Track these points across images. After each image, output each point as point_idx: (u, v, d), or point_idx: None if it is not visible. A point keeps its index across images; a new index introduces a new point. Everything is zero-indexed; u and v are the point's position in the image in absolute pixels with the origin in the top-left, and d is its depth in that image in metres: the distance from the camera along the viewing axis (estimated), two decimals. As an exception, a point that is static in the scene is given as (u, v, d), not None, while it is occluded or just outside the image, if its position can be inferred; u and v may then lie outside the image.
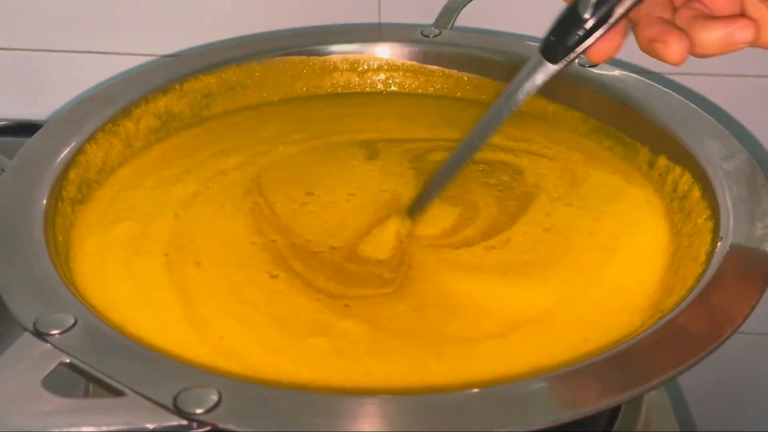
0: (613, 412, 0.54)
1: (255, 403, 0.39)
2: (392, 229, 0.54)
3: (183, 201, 0.57)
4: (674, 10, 0.46)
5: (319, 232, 0.55)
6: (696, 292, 0.46)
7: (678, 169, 0.58)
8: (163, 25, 0.82)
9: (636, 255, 0.53)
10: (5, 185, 0.54)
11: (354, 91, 0.72)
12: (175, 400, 0.38)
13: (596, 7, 0.45)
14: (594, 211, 0.56)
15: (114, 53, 0.83)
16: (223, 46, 0.72)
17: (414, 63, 0.72)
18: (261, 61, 0.70)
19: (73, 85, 0.83)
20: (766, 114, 0.80)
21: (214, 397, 0.38)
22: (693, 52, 0.45)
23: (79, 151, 0.58)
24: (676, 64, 0.45)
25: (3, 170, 0.56)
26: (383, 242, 0.54)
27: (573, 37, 0.46)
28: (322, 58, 0.71)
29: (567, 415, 0.39)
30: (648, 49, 0.46)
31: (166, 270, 0.51)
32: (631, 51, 0.73)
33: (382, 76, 0.72)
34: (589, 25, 0.45)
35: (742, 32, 0.44)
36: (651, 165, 0.60)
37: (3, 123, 0.84)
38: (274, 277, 0.51)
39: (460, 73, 0.71)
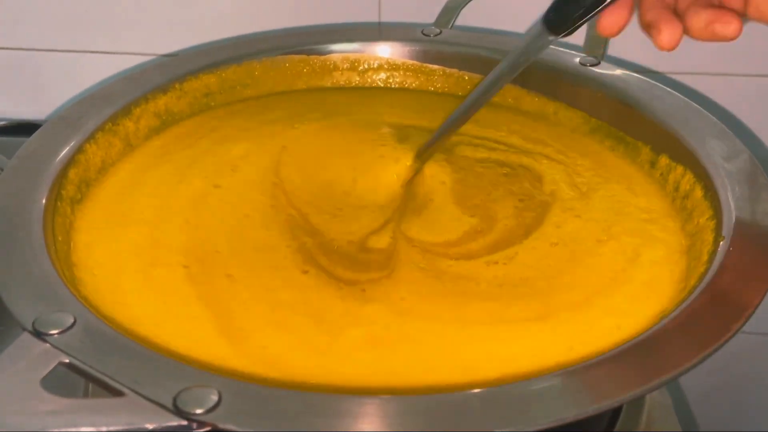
0: (615, 412, 0.54)
1: (255, 404, 0.39)
2: (396, 167, 0.59)
3: (192, 203, 0.56)
4: None
5: (339, 229, 0.56)
6: (698, 291, 0.46)
7: (680, 169, 0.58)
8: (163, 24, 0.82)
9: (638, 284, 0.51)
10: (4, 184, 0.54)
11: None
12: (174, 400, 0.38)
13: None
14: (603, 224, 0.55)
15: (114, 53, 0.83)
16: (223, 46, 0.72)
17: (414, 62, 0.71)
18: (261, 61, 0.70)
19: (73, 84, 0.83)
20: (767, 113, 0.80)
21: (214, 397, 0.38)
22: (687, 35, 0.47)
23: (79, 150, 0.58)
24: (666, 50, 0.47)
25: (2, 169, 0.56)
26: (384, 186, 0.58)
27: (576, 10, 0.48)
28: (322, 58, 0.71)
29: (569, 415, 0.38)
30: (644, 30, 0.48)
31: (189, 283, 0.50)
32: (631, 50, 0.73)
33: (383, 75, 0.72)
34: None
35: (722, 26, 0.46)
36: (652, 164, 0.60)
37: (2, 123, 0.84)
38: (305, 272, 0.52)
39: (461, 72, 0.71)
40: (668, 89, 0.63)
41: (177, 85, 0.66)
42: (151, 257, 0.52)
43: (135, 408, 0.38)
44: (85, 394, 0.48)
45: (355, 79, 0.72)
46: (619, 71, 0.66)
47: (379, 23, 0.80)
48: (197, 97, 0.67)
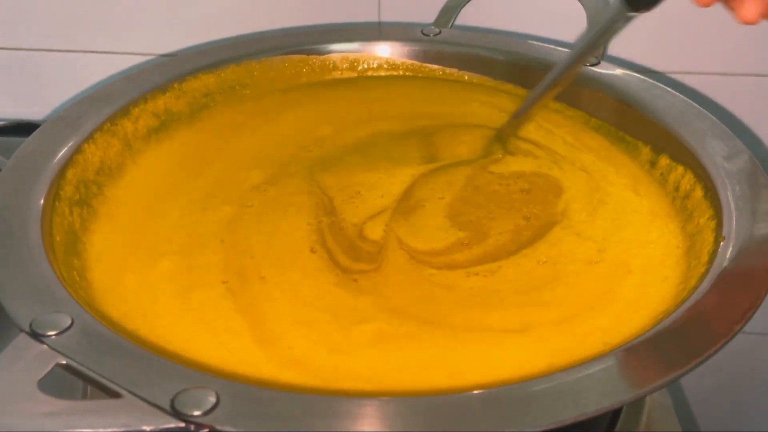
0: (615, 413, 0.53)
1: (253, 405, 0.39)
2: (493, 170, 0.60)
3: (226, 225, 0.56)
4: None
5: (351, 210, 0.57)
6: (699, 292, 0.46)
7: (680, 169, 0.58)
8: (162, 24, 0.81)
9: (623, 305, 0.50)
10: (2, 184, 0.54)
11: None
12: (172, 401, 0.38)
13: None
14: (600, 243, 0.54)
15: (113, 53, 0.82)
16: (222, 45, 0.72)
17: (414, 62, 0.71)
18: (260, 61, 0.70)
19: (73, 84, 0.83)
20: (767, 113, 0.80)
21: (212, 399, 0.38)
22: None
23: (77, 150, 0.58)
24: (747, 23, 0.45)
25: (0, 169, 0.56)
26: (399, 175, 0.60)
27: None
28: (321, 57, 0.71)
29: (569, 416, 0.38)
30: (725, 3, 0.46)
31: (228, 297, 0.50)
32: (631, 50, 0.73)
33: (382, 75, 0.72)
34: None
35: None
36: (653, 164, 0.60)
37: (1, 123, 0.84)
38: (313, 251, 0.54)
39: (461, 72, 0.71)
40: (668, 89, 0.63)
41: (176, 85, 0.66)
42: (189, 281, 0.52)
43: (132, 410, 0.38)
44: (84, 396, 0.48)
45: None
46: (619, 71, 0.66)
47: (379, 23, 0.80)
48: (196, 97, 0.67)
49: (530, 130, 0.64)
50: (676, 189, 0.57)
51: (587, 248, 0.54)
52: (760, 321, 0.46)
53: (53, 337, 0.42)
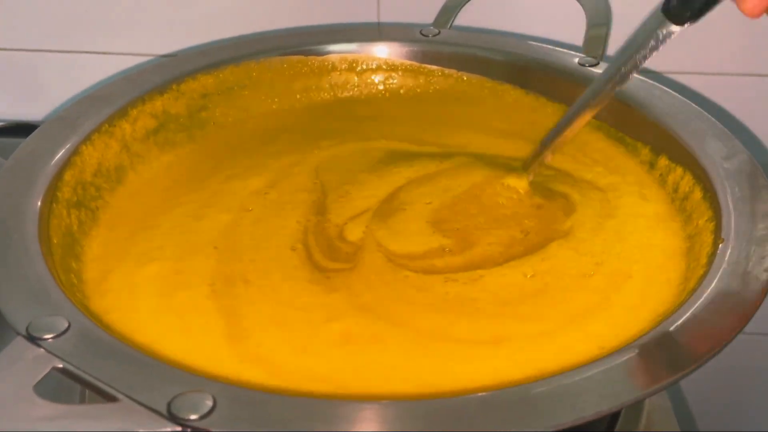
0: (614, 414, 0.53)
1: (250, 409, 0.39)
2: (509, 183, 0.58)
3: (221, 233, 0.56)
4: None
5: (337, 210, 0.57)
6: (698, 294, 0.46)
7: (679, 170, 0.57)
8: (161, 25, 0.81)
9: (600, 325, 0.49)
10: (0, 186, 0.53)
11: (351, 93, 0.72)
12: (169, 405, 0.38)
13: None
14: (598, 257, 0.53)
15: (113, 53, 0.82)
16: (221, 46, 0.72)
17: (413, 62, 0.71)
18: (259, 61, 0.70)
19: (72, 85, 0.83)
20: (767, 113, 0.80)
21: (209, 403, 0.38)
22: None
23: (75, 152, 0.58)
24: (750, 17, 0.44)
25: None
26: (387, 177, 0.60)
27: None
28: (320, 58, 0.71)
29: (568, 420, 0.38)
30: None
31: (211, 298, 0.50)
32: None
33: (381, 75, 0.72)
34: None
35: None
36: (652, 165, 0.60)
37: (0, 124, 0.83)
38: (293, 249, 0.54)
39: (460, 73, 0.71)
40: (668, 89, 0.63)
41: (174, 86, 0.66)
42: (175, 283, 0.52)
43: (129, 414, 0.38)
44: (82, 400, 0.48)
45: (353, 80, 0.72)
46: (618, 71, 0.65)
47: (378, 23, 0.80)
48: (194, 98, 0.67)
49: None
50: (675, 190, 0.57)
51: (584, 263, 0.53)
52: (760, 321, 0.45)
53: (50, 340, 0.42)
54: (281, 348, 0.47)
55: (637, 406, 0.55)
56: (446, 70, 0.71)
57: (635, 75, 0.52)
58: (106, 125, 0.61)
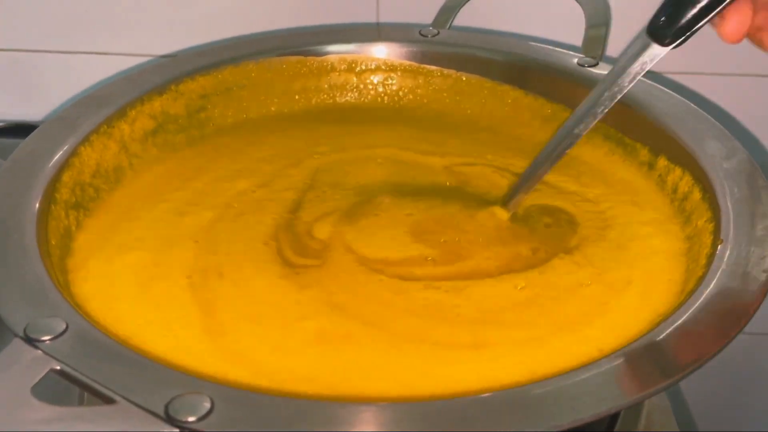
0: (614, 415, 0.53)
1: (248, 411, 0.38)
2: (487, 215, 0.56)
3: (202, 228, 0.56)
4: None
5: (312, 209, 0.58)
6: (697, 295, 0.46)
7: (678, 170, 0.57)
8: (161, 25, 0.81)
9: (582, 337, 0.48)
10: (-1, 187, 0.53)
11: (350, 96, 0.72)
12: (166, 407, 0.38)
13: None
14: (597, 268, 0.53)
15: (112, 53, 0.82)
16: (220, 47, 0.72)
17: (412, 63, 0.71)
18: (258, 62, 0.70)
19: (72, 85, 0.83)
20: (766, 114, 0.80)
21: (207, 405, 0.38)
22: None
23: (73, 153, 0.58)
24: (729, 42, 0.43)
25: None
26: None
27: (687, 14, 0.43)
28: (319, 59, 0.71)
29: (566, 421, 0.38)
30: (753, 37, 0.43)
31: (189, 291, 0.51)
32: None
33: (380, 76, 0.71)
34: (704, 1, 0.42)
35: None
36: (651, 166, 0.60)
37: (0, 124, 0.84)
38: (265, 244, 0.54)
39: (459, 73, 0.71)
40: (667, 90, 0.63)
41: (173, 87, 0.66)
42: (152, 274, 0.52)
43: (126, 416, 0.38)
44: (80, 403, 0.48)
45: (353, 80, 0.71)
46: (617, 72, 0.65)
47: (377, 24, 0.80)
48: (193, 99, 0.67)
49: None
50: (675, 191, 0.57)
51: (583, 274, 0.52)
52: (760, 321, 0.45)
53: (47, 342, 0.41)
54: (259, 346, 0.47)
55: (636, 407, 0.55)
56: (445, 71, 0.71)
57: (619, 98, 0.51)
58: (105, 126, 0.61)
